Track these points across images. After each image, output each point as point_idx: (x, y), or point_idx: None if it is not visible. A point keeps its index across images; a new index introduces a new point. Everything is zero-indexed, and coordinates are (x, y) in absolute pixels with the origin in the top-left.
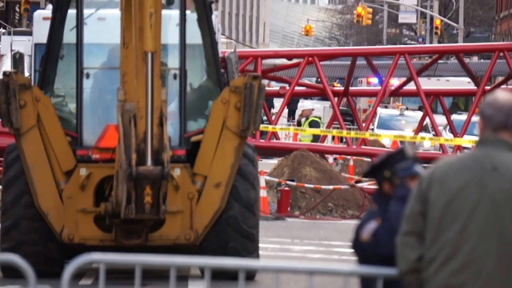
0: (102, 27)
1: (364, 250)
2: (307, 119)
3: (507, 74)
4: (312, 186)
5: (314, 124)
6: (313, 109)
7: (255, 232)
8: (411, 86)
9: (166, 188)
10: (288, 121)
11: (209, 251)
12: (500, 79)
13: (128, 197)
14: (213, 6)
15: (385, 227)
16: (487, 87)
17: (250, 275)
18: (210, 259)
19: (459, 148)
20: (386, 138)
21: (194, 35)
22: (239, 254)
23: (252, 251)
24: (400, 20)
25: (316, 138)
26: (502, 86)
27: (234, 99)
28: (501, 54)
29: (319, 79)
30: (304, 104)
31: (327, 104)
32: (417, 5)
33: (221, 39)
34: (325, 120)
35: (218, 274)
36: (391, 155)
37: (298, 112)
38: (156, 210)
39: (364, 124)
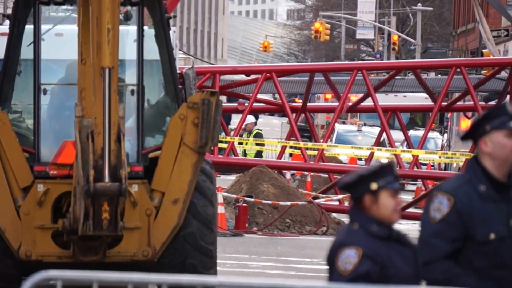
0: (60, 42)
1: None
2: (250, 133)
3: (464, 90)
4: (270, 202)
5: (259, 136)
6: (255, 122)
7: (213, 249)
8: (368, 102)
9: (123, 204)
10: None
11: (167, 267)
12: (457, 95)
13: (85, 214)
14: (171, 21)
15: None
16: (444, 103)
17: None
18: (168, 275)
19: (417, 160)
20: (344, 155)
21: (152, 51)
22: (197, 270)
23: (210, 267)
24: (358, 36)
25: (259, 153)
26: (459, 103)
27: (191, 115)
28: (458, 70)
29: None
30: (247, 118)
31: (285, 120)
32: (375, 21)
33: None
34: (283, 136)
35: None
36: (382, 167)
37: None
38: (114, 227)
39: (322, 140)
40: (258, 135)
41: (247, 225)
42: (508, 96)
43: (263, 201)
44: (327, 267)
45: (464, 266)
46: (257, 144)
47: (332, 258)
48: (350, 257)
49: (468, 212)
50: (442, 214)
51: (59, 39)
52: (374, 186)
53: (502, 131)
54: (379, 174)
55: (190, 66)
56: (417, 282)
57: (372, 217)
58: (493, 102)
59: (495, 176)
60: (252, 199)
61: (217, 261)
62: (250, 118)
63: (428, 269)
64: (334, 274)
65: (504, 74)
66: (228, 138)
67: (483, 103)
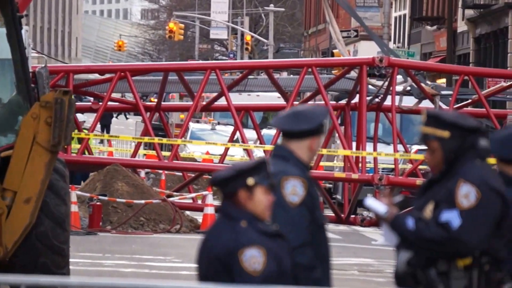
0: None
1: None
2: None
3: (315, 89)
4: (124, 200)
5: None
6: (84, 121)
7: (66, 247)
8: (222, 101)
9: None
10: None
11: (19, 267)
12: (308, 94)
13: None
14: (23, 20)
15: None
16: (296, 102)
17: None
18: (27, 276)
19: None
20: (198, 152)
21: (4, 50)
22: (49, 269)
23: (62, 266)
24: (212, 36)
25: None
26: (310, 102)
27: (44, 114)
28: (310, 69)
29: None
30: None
31: (139, 119)
32: (228, 21)
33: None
34: (137, 135)
35: None
36: (258, 163)
37: (113, 127)
38: None
39: (176, 139)
40: None
41: (101, 223)
42: (357, 96)
43: (117, 200)
44: (218, 269)
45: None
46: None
47: (230, 260)
48: (255, 257)
49: (315, 196)
50: (300, 197)
51: None
52: (250, 181)
53: None
54: (255, 170)
55: (43, 65)
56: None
57: (253, 213)
58: (343, 102)
59: (305, 164)
60: (106, 198)
61: (70, 260)
62: (80, 117)
63: (298, 252)
64: (241, 276)
65: (353, 74)
66: (82, 135)
67: (334, 102)
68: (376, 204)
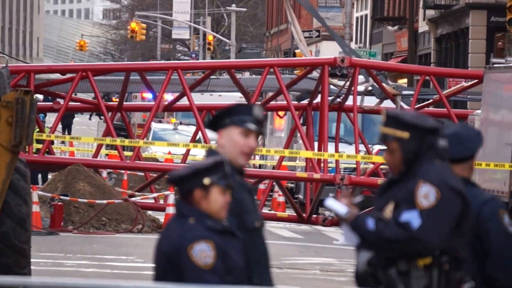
0: None
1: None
2: None
3: (277, 89)
4: (85, 200)
5: None
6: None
7: (27, 248)
8: (184, 101)
9: None
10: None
11: None
12: (270, 94)
13: None
14: None
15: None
16: (258, 102)
17: None
18: None
19: None
20: (160, 153)
21: None
22: (11, 269)
23: (24, 266)
24: (174, 36)
25: None
26: (272, 102)
27: (5, 114)
28: (272, 69)
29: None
30: None
31: (101, 119)
32: (190, 21)
33: None
34: (99, 135)
35: None
36: (215, 163)
37: (74, 127)
38: None
39: (138, 139)
40: None
41: (62, 223)
42: (319, 96)
43: (79, 200)
44: (165, 267)
45: None
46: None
47: (176, 257)
48: (205, 251)
49: (240, 201)
50: None
51: None
52: (207, 181)
53: (239, 128)
54: (213, 170)
55: (4, 65)
56: (249, 274)
57: (204, 211)
58: (305, 101)
59: (235, 166)
60: (67, 198)
61: (32, 260)
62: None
63: None
64: (194, 271)
65: (315, 74)
66: (44, 136)
67: (296, 102)
68: (336, 205)
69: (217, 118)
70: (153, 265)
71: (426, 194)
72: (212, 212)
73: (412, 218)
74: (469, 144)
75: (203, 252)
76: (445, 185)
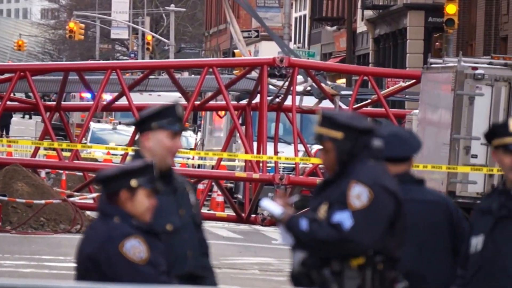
0: None
1: None
2: None
3: (216, 89)
4: (24, 201)
5: None
6: None
7: None
8: (123, 101)
9: None
10: (0, 136)
11: None
12: (209, 94)
13: None
14: None
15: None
16: (197, 102)
17: None
18: None
19: None
20: (99, 153)
21: None
22: None
23: None
24: (113, 36)
25: None
26: (211, 102)
27: None
28: (211, 69)
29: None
30: None
31: (39, 118)
32: (129, 21)
33: None
34: (38, 135)
35: None
36: (144, 165)
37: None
38: None
39: (76, 139)
40: None
41: (0, 224)
42: (258, 96)
43: (17, 200)
44: (88, 267)
45: None
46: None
47: (107, 255)
48: (137, 247)
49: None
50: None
51: None
52: (134, 182)
53: (167, 131)
54: (141, 172)
55: None
56: (170, 274)
57: (128, 212)
58: (244, 101)
59: (163, 167)
60: (5, 198)
61: None
62: None
63: None
64: (129, 267)
65: (254, 74)
66: None
67: (235, 102)
68: (271, 205)
69: (143, 121)
70: (75, 265)
71: (359, 195)
72: (136, 214)
73: (344, 218)
74: (412, 143)
75: (135, 248)
76: (378, 186)
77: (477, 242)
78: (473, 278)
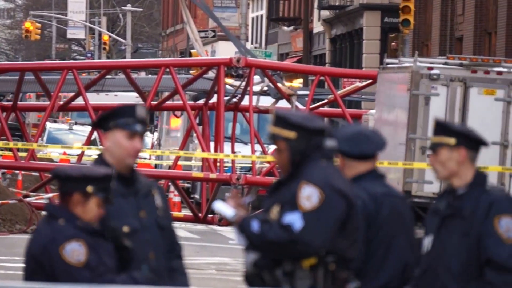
0: None
1: None
2: None
3: (173, 89)
4: None
5: None
6: None
7: None
8: (80, 101)
9: None
10: None
11: None
12: (166, 94)
13: None
14: None
15: None
16: (154, 102)
17: None
18: None
19: None
20: (55, 153)
21: None
22: None
23: None
24: (69, 36)
25: None
26: (168, 102)
27: None
28: (167, 69)
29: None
30: None
31: None
32: (86, 21)
33: None
34: None
35: None
36: (104, 175)
37: None
38: None
39: (33, 139)
40: None
41: None
42: (215, 95)
43: None
44: (33, 268)
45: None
46: None
47: (45, 258)
48: (77, 250)
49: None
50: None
51: None
52: (89, 189)
53: (124, 131)
54: (99, 181)
55: None
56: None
57: (75, 214)
58: (201, 101)
59: (119, 171)
60: None
61: None
62: None
63: None
64: (68, 271)
65: (211, 74)
66: None
67: (192, 102)
68: (223, 207)
69: (102, 121)
70: (23, 266)
71: (309, 196)
72: (85, 219)
73: (294, 220)
74: (377, 140)
75: (75, 251)
76: (329, 186)
77: (428, 242)
78: (421, 278)
